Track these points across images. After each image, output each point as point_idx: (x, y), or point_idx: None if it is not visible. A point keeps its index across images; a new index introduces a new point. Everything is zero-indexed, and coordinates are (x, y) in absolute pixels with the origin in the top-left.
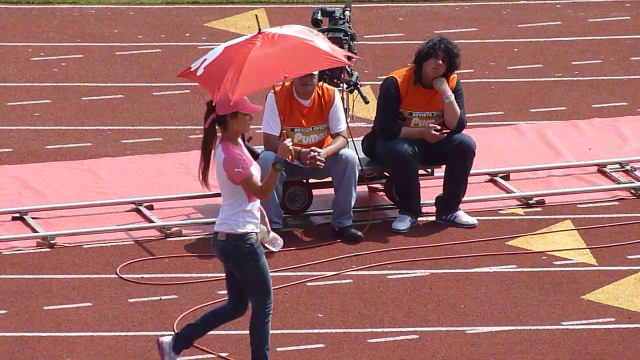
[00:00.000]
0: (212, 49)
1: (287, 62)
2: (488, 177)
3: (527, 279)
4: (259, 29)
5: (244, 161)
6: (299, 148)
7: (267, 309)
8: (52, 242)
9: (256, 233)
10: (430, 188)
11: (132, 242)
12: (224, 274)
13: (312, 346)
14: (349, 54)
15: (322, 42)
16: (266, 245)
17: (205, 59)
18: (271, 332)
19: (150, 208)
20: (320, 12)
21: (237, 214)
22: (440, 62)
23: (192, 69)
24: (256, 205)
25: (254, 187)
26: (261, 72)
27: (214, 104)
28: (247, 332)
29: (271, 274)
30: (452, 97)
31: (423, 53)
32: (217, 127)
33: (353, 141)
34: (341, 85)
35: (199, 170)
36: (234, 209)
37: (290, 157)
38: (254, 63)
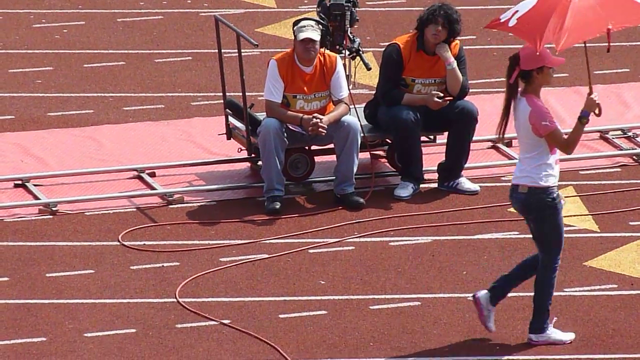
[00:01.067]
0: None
1: (609, 14)
2: (490, 143)
3: (529, 246)
4: None
5: (550, 114)
6: (301, 114)
7: (555, 264)
8: (54, 209)
9: (557, 187)
10: (433, 155)
11: (134, 209)
12: (225, 241)
13: (314, 313)
14: None
15: None
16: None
17: (517, 11)
18: (273, 299)
19: (152, 175)
20: None
21: (539, 167)
22: (440, 28)
23: (501, 21)
24: (555, 158)
25: (560, 140)
26: (585, 23)
27: (518, 59)
28: (250, 299)
29: (272, 241)
30: (455, 64)
31: (423, 19)
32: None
33: (355, 108)
34: (343, 51)
35: (499, 126)
36: (536, 162)
37: (598, 110)
38: (577, 14)
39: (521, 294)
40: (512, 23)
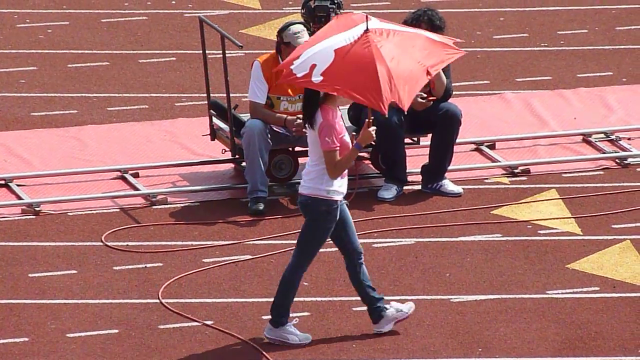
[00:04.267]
0: (308, 50)
1: (422, 59)
2: (474, 146)
3: (512, 248)
4: (367, 28)
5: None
6: (285, 115)
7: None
8: (37, 209)
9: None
10: (416, 157)
11: (118, 210)
12: (208, 242)
13: (298, 314)
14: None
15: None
16: None
17: (315, 64)
18: (256, 300)
19: (136, 176)
20: None
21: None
22: None
23: (298, 75)
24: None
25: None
26: (410, 72)
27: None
28: (233, 300)
29: (257, 241)
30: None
31: (407, 23)
32: None
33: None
34: None
35: None
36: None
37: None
38: (397, 66)
39: (503, 296)
40: (317, 79)
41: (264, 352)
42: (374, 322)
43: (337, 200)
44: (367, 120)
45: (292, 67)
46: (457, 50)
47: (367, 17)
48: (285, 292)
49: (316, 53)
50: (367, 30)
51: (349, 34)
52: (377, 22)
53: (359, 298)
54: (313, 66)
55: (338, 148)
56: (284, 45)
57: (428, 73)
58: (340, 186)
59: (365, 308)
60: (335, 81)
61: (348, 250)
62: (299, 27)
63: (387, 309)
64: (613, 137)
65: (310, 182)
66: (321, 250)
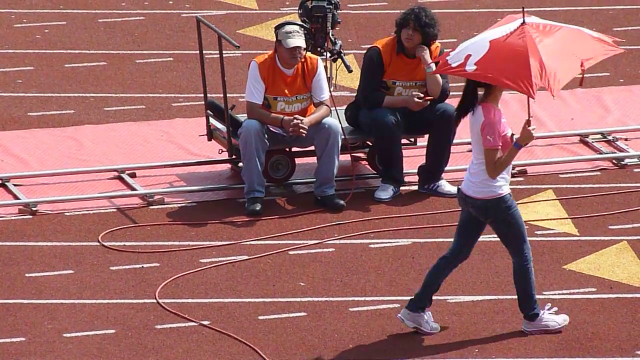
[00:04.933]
0: (467, 42)
1: (577, 51)
2: (470, 146)
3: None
4: (523, 21)
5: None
6: (282, 116)
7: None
8: (34, 209)
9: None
10: (413, 157)
11: (115, 210)
12: (205, 242)
13: (294, 314)
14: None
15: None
16: None
17: (470, 55)
18: (253, 300)
19: (133, 176)
20: None
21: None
22: (411, 31)
23: (453, 65)
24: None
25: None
26: (561, 62)
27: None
28: (229, 300)
29: (253, 242)
30: (434, 67)
31: (398, 23)
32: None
33: (336, 110)
34: (324, 54)
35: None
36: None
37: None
38: (550, 55)
39: (500, 297)
40: (470, 68)
41: (260, 353)
42: (409, 308)
43: (509, 192)
44: (527, 119)
45: (447, 57)
46: (616, 47)
47: (523, 11)
48: (524, 284)
49: (472, 44)
50: (523, 23)
51: (506, 27)
52: (536, 18)
53: (355, 298)
54: (468, 56)
55: (500, 147)
56: (277, 42)
57: (582, 64)
58: (507, 176)
59: (361, 308)
60: (488, 70)
61: (461, 246)
62: (293, 28)
63: (424, 314)
64: (610, 137)
65: (481, 184)
66: (317, 250)
